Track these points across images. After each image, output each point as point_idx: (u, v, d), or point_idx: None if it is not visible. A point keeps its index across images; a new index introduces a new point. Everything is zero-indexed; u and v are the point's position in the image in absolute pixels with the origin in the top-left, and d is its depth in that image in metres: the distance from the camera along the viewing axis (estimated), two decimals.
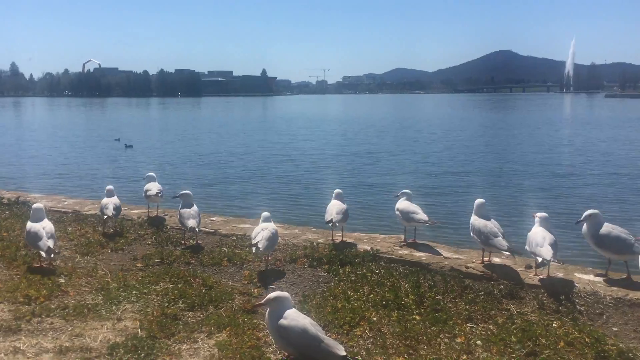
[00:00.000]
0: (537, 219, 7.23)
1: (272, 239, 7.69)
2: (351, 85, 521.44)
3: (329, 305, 6.30)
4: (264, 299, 5.12)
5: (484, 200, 7.83)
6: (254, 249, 7.57)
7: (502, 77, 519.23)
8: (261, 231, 7.68)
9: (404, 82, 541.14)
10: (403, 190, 8.83)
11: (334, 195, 9.03)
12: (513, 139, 41.42)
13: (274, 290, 6.44)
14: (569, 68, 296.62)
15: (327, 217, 8.59)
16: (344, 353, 4.78)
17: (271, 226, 7.87)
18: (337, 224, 8.61)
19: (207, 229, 9.86)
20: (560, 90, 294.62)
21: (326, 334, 5.30)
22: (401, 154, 31.76)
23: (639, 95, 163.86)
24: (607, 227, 6.90)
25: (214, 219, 10.74)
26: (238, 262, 8.14)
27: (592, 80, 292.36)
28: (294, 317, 4.97)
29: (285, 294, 5.14)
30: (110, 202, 9.64)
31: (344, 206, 8.82)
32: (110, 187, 10.07)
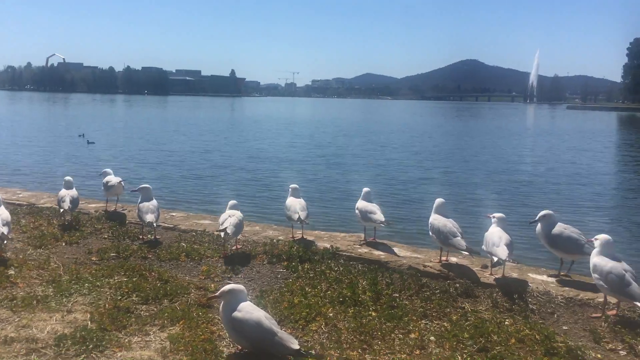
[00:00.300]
0: (494, 220, 7.34)
1: (239, 225, 8.03)
2: (320, 89, 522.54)
3: (286, 300, 6.28)
4: (219, 291, 5.07)
5: (444, 200, 7.92)
6: (222, 234, 7.87)
7: (469, 85, 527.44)
8: (228, 217, 7.99)
9: (373, 87, 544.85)
10: (365, 189, 8.86)
11: (290, 190, 9.01)
12: (477, 145, 42.06)
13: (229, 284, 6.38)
14: (533, 79, 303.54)
15: (293, 215, 8.55)
16: (297, 347, 4.77)
17: (238, 213, 8.18)
18: (306, 221, 8.58)
19: (166, 224, 9.72)
20: (524, 101, 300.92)
21: (281, 329, 5.28)
22: (367, 157, 31.91)
23: (599, 107, 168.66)
24: (559, 227, 7.06)
25: (174, 214, 10.61)
26: (196, 258, 8.03)
27: (555, 91, 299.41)
28: (248, 310, 4.93)
29: (240, 286, 5.10)
30: (68, 194, 9.42)
31: (304, 202, 8.82)
32: (68, 177, 9.84)
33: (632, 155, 38.00)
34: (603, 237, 6.15)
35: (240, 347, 5.04)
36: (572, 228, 7.13)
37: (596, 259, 6.06)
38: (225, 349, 5.12)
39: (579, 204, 18.85)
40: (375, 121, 77.35)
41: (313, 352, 4.96)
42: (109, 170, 10.77)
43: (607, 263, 5.91)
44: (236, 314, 4.88)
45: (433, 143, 43.25)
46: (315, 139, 43.69)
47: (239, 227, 8.03)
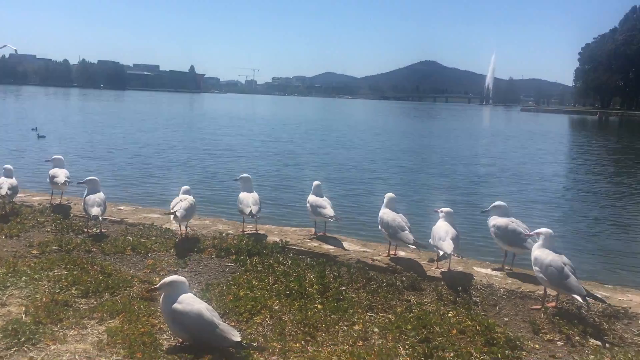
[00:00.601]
0: (441, 214, 7.44)
1: (190, 209, 8.17)
2: (280, 87, 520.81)
3: (232, 293, 6.21)
4: (159, 283, 4.97)
5: (394, 195, 7.98)
6: (172, 217, 8.02)
7: (427, 86, 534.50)
8: (180, 201, 8.16)
9: (333, 86, 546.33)
10: (315, 183, 8.85)
11: (242, 183, 8.92)
12: (432, 144, 42.67)
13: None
14: (489, 81, 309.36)
15: (245, 209, 8.47)
16: (238, 339, 4.72)
17: (190, 198, 8.34)
18: (257, 215, 8.51)
19: (113, 218, 9.49)
20: (480, 102, 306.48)
21: (225, 321, 5.22)
22: (323, 154, 31.95)
23: (551, 110, 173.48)
24: (506, 220, 7.21)
25: (121, 207, 10.37)
26: (142, 251, 7.87)
27: (510, 94, 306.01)
28: (189, 301, 4.85)
29: (181, 278, 5.02)
30: (6, 182, 9.12)
31: (257, 195, 8.76)
32: (8, 166, 9.53)
33: (581, 157, 39.19)
34: (544, 230, 6.29)
35: (181, 340, 4.95)
36: (520, 222, 7.26)
37: (537, 252, 6.19)
38: (165, 342, 5.02)
39: (529, 201, 19.32)
40: (335, 120, 77.54)
41: (255, 344, 4.92)
42: (60, 157, 10.41)
43: (547, 256, 6.05)
44: (176, 305, 4.79)
45: (389, 141, 43.60)
46: (273, 136, 43.47)
47: (189, 211, 8.13)
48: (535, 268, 6.16)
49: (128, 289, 6.28)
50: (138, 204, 11.77)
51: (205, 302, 5.76)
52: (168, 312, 4.83)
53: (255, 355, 4.79)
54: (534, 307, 6.32)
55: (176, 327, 4.82)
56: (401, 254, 7.94)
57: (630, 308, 6.13)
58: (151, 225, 9.03)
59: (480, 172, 27.00)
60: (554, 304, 6.29)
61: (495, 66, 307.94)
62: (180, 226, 8.59)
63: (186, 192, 8.54)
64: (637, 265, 10.60)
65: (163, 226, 9.03)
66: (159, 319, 5.36)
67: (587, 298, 5.72)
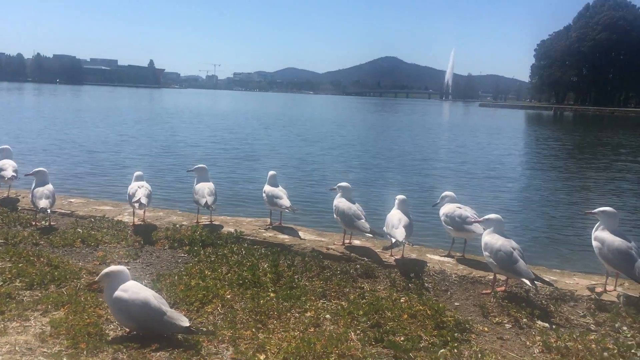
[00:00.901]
0: (395, 201, 7.49)
1: (150, 195, 8.36)
2: (242, 82, 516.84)
3: (183, 283, 6.12)
4: (98, 276, 4.86)
5: (349, 185, 7.99)
6: (136, 205, 8.06)
7: (388, 82, 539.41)
8: (138, 189, 8.24)
9: (295, 81, 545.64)
10: (271, 173, 8.80)
11: (197, 171, 8.81)
12: (393, 139, 42.99)
13: None
14: (448, 77, 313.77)
15: (200, 200, 8.38)
16: (187, 324, 4.66)
17: (146, 184, 8.48)
18: (213, 206, 8.42)
19: (63, 210, 9.27)
20: (440, 98, 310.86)
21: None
22: (283, 148, 31.83)
23: (508, 105, 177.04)
24: (453, 206, 7.32)
25: (72, 200, 10.13)
26: (92, 244, 7.70)
27: (469, 90, 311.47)
28: (134, 290, 4.76)
29: (120, 267, 4.91)
30: None
31: (212, 186, 8.66)
32: None
33: (536, 150, 40.12)
34: (493, 216, 6.40)
35: (128, 329, 4.85)
36: (469, 209, 7.38)
37: (487, 237, 6.30)
38: (112, 332, 4.92)
39: (483, 190, 19.72)
40: (296, 115, 77.37)
41: (204, 329, 4.86)
42: (7, 147, 10.09)
43: (497, 241, 6.15)
44: (121, 294, 4.69)
45: (350, 135, 43.79)
46: (232, 131, 43.06)
47: (149, 197, 8.33)
48: (485, 253, 6.26)
49: (76, 280, 6.13)
50: (90, 197, 11.48)
51: (157, 292, 5.68)
52: (112, 302, 4.72)
53: (205, 344, 4.73)
54: (484, 291, 6.43)
55: (122, 316, 4.71)
56: (356, 242, 7.98)
57: (576, 291, 6.30)
58: (102, 218, 8.84)
59: (436, 165, 27.40)
60: (503, 288, 6.42)
61: (455, 62, 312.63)
62: (142, 213, 8.78)
63: (139, 178, 8.56)
64: (584, 251, 10.89)
65: (115, 218, 8.86)
66: (106, 310, 5.23)
67: (535, 282, 5.85)
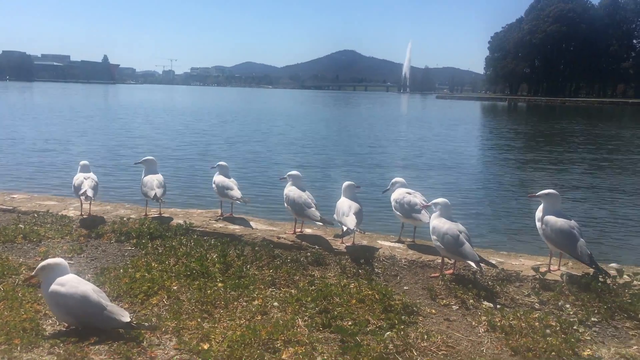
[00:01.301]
0: (343, 188, 7.47)
1: (97, 187, 8.20)
2: (199, 77, 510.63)
3: (128, 276, 5.96)
4: (34, 270, 4.69)
5: (299, 173, 7.93)
6: (82, 197, 7.99)
7: (347, 75, 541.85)
8: (85, 180, 8.09)
9: (253, 76, 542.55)
10: (219, 163, 8.67)
11: (145, 163, 8.60)
12: (349, 131, 43.21)
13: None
14: (405, 70, 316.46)
15: (149, 192, 8.18)
16: (128, 319, 4.53)
17: (92, 175, 8.34)
18: (162, 199, 8.24)
19: (4, 207, 8.93)
20: (398, 91, 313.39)
21: (117, 304, 5.01)
22: (238, 142, 31.52)
23: (464, 97, 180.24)
24: (403, 191, 7.33)
25: (15, 196, 9.76)
26: (35, 239, 7.43)
27: (426, 82, 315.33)
28: (73, 284, 4.60)
29: (58, 260, 4.74)
30: None
31: (161, 177, 8.47)
32: None
33: (490, 139, 40.91)
34: (441, 200, 6.45)
35: (66, 325, 4.69)
36: (419, 195, 7.39)
37: (435, 221, 6.34)
38: (49, 328, 4.75)
39: (438, 177, 20.07)
40: (254, 109, 76.85)
41: (146, 324, 4.73)
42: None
43: (444, 225, 6.20)
44: (59, 288, 4.53)
45: (306, 128, 43.81)
46: (187, 125, 42.44)
47: (96, 189, 8.17)
48: (433, 237, 6.31)
49: (14, 276, 5.90)
50: (34, 193, 11.10)
51: (98, 286, 5.52)
52: (49, 296, 4.55)
53: (147, 335, 4.61)
54: (432, 275, 6.49)
55: (59, 311, 4.56)
56: (308, 231, 7.94)
57: (522, 271, 6.40)
58: (46, 213, 8.55)
59: (392, 155, 27.67)
60: (451, 271, 6.49)
61: (412, 55, 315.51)
62: (87, 207, 8.60)
63: (85, 168, 8.40)
64: (529, 233, 11.14)
65: (60, 213, 8.58)
66: (45, 305, 5.05)
67: (480, 264, 5.92)
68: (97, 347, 4.36)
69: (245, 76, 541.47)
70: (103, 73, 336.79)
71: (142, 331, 4.58)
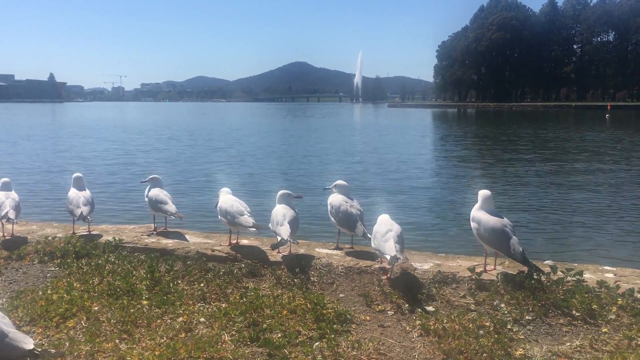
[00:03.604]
0: (277, 196, 7.26)
1: (19, 207, 7.74)
2: (150, 93, 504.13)
3: (45, 298, 5.58)
4: None
5: (228, 189, 7.73)
6: (3, 220, 7.53)
7: (300, 87, 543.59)
8: (6, 200, 7.62)
9: (205, 90, 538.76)
10: (151, 176, 8.34)
11: (73, 180, 8.19)
12: (301, 141, 43.13)
13: None
14: (357, 80, 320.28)
15: (75, 210, 7.76)
16: (31, 346, 4.16)
17: (13, 194, 7.84)
18: (89, 217, 7.84)
19: None
20: (350, 100, 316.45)
21: (31, 329, 4.69)
22: (179, 156, 30.97)
23: (415, 105, 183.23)
24: (340, 199, 7.15)
25: None
26: None
27: (378, 91, 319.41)
28: None
29: None
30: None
31: (89, 193, 8.07)
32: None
33: (440, 145, 41.48)
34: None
35: None
36: (356, 204, 7.19)
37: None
38: None
39: (381, 183, 20.15)
40: (203, 124, 75.92)
41: (52, 350, 4.38)
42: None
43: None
44: None
45: (254, 140, 43.51)
46: (134, 142, 41.49)
47: (18, 209, 7.72)
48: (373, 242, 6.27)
49: None
50: None
51: (10, 311, 5.16)
52: None
53: None
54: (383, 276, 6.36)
55: None
56: (244, 242, 7.69)
57: (458, 273, 6.31)
58: None
59: (344, 163, 27.67)
60: (386, 276, 6.36)
61: (363, 65, 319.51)
62: (10, 227, 8.14)
63: (6, 186, 7.91)
64: (466, 236, 11.18)
65: None
66: None
67: (396, 258, 5.72)
68: None
69: (198, 90, 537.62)
70: (49, 92, 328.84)
71: (50, 358, 4.24)
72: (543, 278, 5.79)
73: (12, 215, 7.44)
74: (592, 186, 19.79)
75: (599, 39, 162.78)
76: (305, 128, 65.59)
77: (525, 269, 5.95)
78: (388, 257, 5.75)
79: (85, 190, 8.14)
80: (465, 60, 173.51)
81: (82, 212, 7.71)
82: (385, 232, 6.11)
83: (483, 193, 6.27)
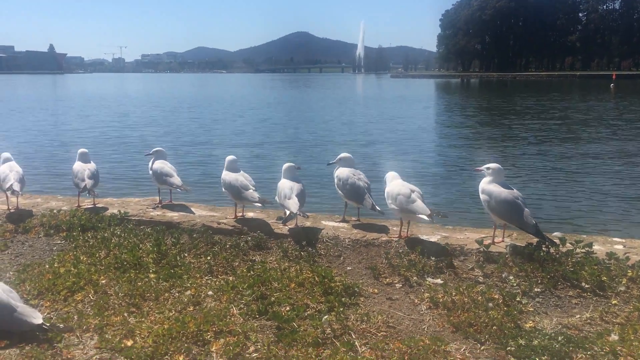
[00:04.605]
0: (283, 170, 7.18)
1: (23, 179, 7.59)
2: (151, 64, 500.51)
3: (51, 272, 5.56)
4: None
5: (234, 157, 7.59)
6: (8, 192, 7.48)
7: (301, 57, 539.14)
8: (10, 172, 7.53)
9: (206, 61, 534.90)
10: (155, 149, 8.26)
11: (78, 155, 8.12)
12: (304, 113, 42.89)
13: None
14: (359, 50, 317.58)
15: (80, 183, 7.71)
16: (40, 321, 4.17)
17: (17, 166, 7.74)
18: (94, 191, 7.79)
19: None
20: (353, 71, 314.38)
21: (39, 302, 4.67)
22: (183, 128, 30.83)
23: (418, 75, 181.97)
24: (348, 172, 7.05)
25: None
26: None
27: (380, 61, 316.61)
28: None
29: None
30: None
31: (94, 166, 8.01)
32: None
33: (442, 116, 41.25)
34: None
35: None
36: (363, 177, 7.11)
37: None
38: None
39: (388, 154, 20.07)
40: (208, 96, 75.47)
41: (61, 325, 4.37)
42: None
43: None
44: None
45: (259, 113, 43.26)
46: (137, 114, 41.31)
47: (23, 182, 7.56)
48: (388, 201, 6.41)
49: None
50: None
51: (18, 284, 5.15)
52: None
53: (66, 335, 4.27)
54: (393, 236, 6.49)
55: None
56: (250, 215, 7.64)
57: (466, 245, 6.27)
58: None
59: (345, 132, 27.57)
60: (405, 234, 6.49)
61: (365, 35, 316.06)
62: (15, 199, 8.03)
63: (7, 159, 7.84)
64: (476, 206, 11.14)
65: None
66: None
67: (432, 216, 6.02)
68: (7, 351, 4.00)
69: (199, 61, 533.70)
70: (49, 63, 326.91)
71: (59, 333, 4.24)
72: (552, 250, 5.74)
73: (17, 187, 7.38)
74: (599, 158, 19.70)
75: (604, 6, 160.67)
76: (309, 99, 65.14)
77: (534, 240, 5.91)
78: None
79: (90, 162, 8.08)
80: (469, 30, 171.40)
81: (86, 184, 7.66)
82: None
83: (493, 166, 6.20)
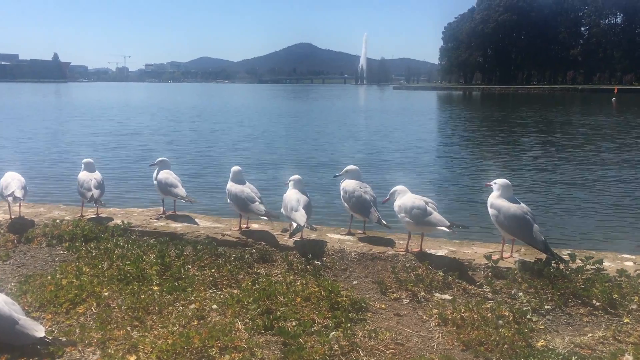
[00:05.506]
0: (291, 183, 7.13)
1: (25, 187, 7.60)
2: (154, 73, 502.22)
3: (54, 283, 5.48)
4: None
5: (239, 168, 7.53)
6: (10, 199, 7.35)
7: (304, 68, 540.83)
8: (12, 180, 7.52)
9: (209, 71, 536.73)
10: (160, 159, 8.20)
11: (84, 165, 8.07)
12: (306, 124, 42.88)
13: None
14: (362, 62, 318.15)
15: (86, 193, 7.65)
16: (42, 334, 4.09)
17: (19, 175, 7.73)
18: (101, 200, 7.73)
19: None
20: (355, 82, 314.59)
21: (40, 314, 4.58)
22: (187, 139, 30.77)
23: (421, 87, 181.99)
24: (354, 185, 6.99)
25: None
26: None
27: (383, 73, 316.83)
28: None
29: None
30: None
31: (99, 175, 7.96)
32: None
33: (446, 129, 41.18)
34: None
35: None
36: (370, 190, 7.04)
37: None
38: None
39: (394, 168, 19.95)
40: (209, 105, 75.55)
41: (63, 339, 4.29)
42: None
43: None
44: None
45: (261, 123, 43.22)
46: (140, 124, 41.31)
47: (25, 189, 7.56)
48: (401, 214, 6.31)
49: None
50: None
51: (19, 295, 5.07)
52: None
53: (68, 349, 4.19)
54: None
55: None
56: (254, 226, 7.58)
57: (474, 260, 6.19)
58: None
59: (349, 145, 27.52)
60: (417, 249, 6.45)
61: (368, 47, 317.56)
62: (17, 208, 8.06)
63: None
64: (483, 219, 11.04)
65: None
66: None
67: (452, 227, 5.97)
68: None
69: (202, 71, 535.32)
70: (53, 72, 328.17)
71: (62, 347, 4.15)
72: (562, 266, 5.66)
73: (19, 194, 7.30)
74: (607, 173, 19.51)
75: (606, 21, 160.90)
76: (311, 111, 65.20)
77: (543, 256, 5.83)
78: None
79: (95, 172, 8.02)
80: (472, 42, 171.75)
81: (92, 194, 7.60)
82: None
83: (501, 181, 6.14)
